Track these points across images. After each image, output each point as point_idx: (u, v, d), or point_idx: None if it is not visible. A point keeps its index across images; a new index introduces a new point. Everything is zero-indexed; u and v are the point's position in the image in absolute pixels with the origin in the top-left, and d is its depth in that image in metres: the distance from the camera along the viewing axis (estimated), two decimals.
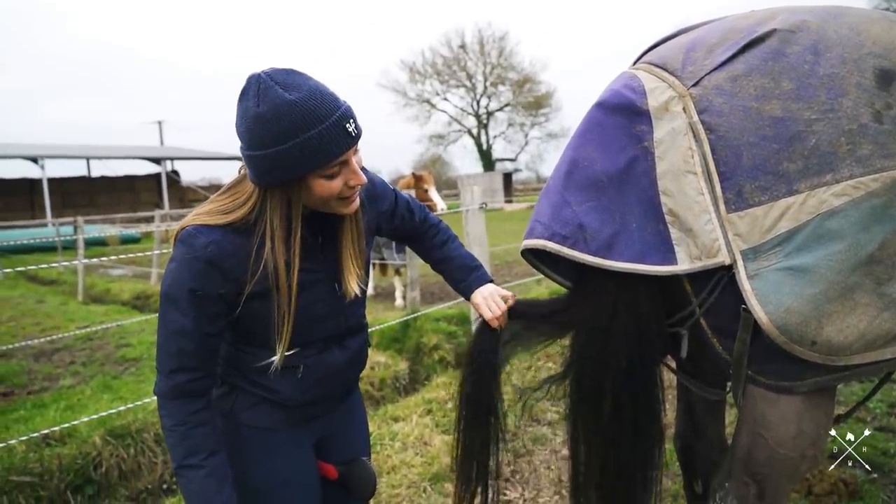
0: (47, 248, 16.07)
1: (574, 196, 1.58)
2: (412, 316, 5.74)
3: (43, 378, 5.13)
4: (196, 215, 1.28)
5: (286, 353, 1.36)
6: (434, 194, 7.65)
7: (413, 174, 7.97)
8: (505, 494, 2.93)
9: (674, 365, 1.91)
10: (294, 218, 1.27)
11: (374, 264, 7.84)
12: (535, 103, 48.75)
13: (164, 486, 3.55)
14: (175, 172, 34.16)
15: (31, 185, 29.89)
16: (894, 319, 1.33)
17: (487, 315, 1.65)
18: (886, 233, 1.31)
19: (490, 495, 1.78)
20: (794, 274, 1.34)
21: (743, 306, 1.41)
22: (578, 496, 1.72)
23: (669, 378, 2.00)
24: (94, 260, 4.46)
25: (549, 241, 1.57)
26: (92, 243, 16.31)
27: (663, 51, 1.67)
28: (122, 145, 38.78)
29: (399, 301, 7.49)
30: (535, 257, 1.69)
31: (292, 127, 1.14)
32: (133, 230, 17.06)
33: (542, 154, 51.81)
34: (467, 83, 48.86)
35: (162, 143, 44.03)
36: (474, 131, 49.97)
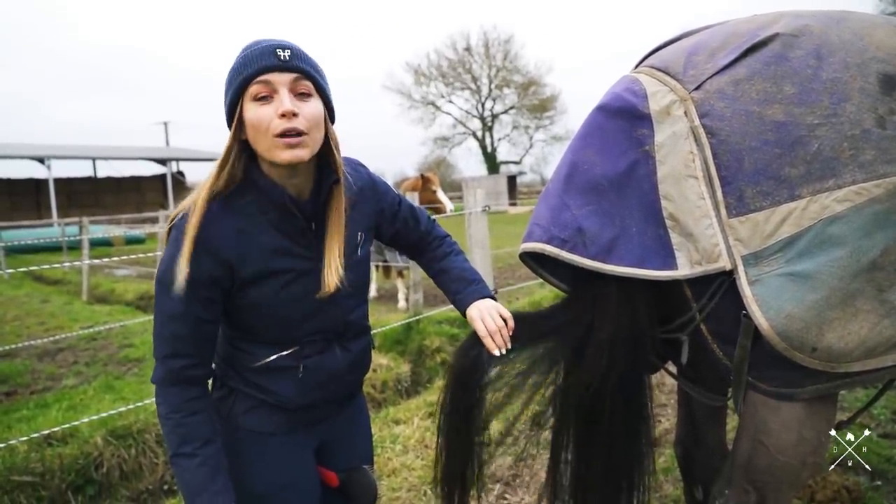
0: (53, 248, 16.15)
1: (574, 199, 1.57)
2: (415, 318, 5.73)
3: (46, 378, 5.14)
4: (189, 199, 1.29)
5: (284, 353, 1.35)
6: (442, 195, 7.64)
7: (421, 175, 7.95)
8: (506, 499, 2.92)
9: (674, 370, 1.90)
10: (228, 151, 1.27)
11: (377, 266, 7.83)
12: (540, 106, 48.77)
13: (165, 487, 3.55)
14: (180, 173, 34.28)
15: (38, 185, 30.10)
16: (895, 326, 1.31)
17: (481, 330, 1.52)
18: (889, 239, 1.30)
19: None
20: (795, 280, 1.33)
21: (743, 312, 1.40)
22: (562, 499, 1.69)
23: (671, 383, 1.98)
24: (100, 260, 4.48)
25: (548, 244, 1.56)
26: (97, 244, 16.36)
27: (665, 54, 1.66)
28: (127, 146, 38.94)
29: (402, 303, 7.49)
30: (534, 261, 1.67)
31: (240, 53, 1.25)
32: (138, 231, 17.12)
33: (546, 157, 51.87)
34: (472, 86, 48.96)
35: (168, 143, 44.21)
36: (479, 134, 50.10)
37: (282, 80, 1.22)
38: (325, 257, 1.33)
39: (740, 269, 1.39)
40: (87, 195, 31.89)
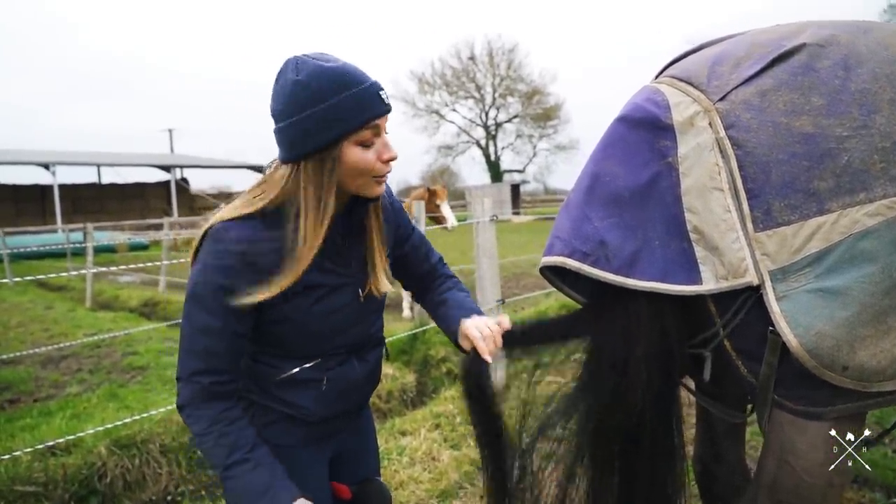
0: (57, 255, 16.16)
1: (595, 212, 1.54)
2: (421, 329, 5.69)
3: (49, 385, 5.11)
4: (225, 211, 1.25)
5: (307, 366, 1.33)
6: (446, 209, 7.64)
7: (427, 188, 7.96)
8: None
9: (692, 385, 1.86)
10: (326, 200, 1.21)
11: None
12: (544, 115, 48.84)
13: (169, 498, 3.51)
14: (184, 180, 34.38)
15: (43, 192, 30.17)
16: None
17: (475, 335, 1.41)
18: None
19: None
20: (825, 296, 1.30)
21: (770, 328, 1.36)
22: None
23: (689, 398, 1.94)
24: (107, 268, 4.46)
25: (570, 258, 1.52)
26: (101, 250, 16.38)
27: (687, 64, 1.63)
28: (132, 153, 39.12)
29: (406, 312, 7.45)
30: (554, 274, 1.64)
31: (330, 87, 1.16)
32: (142, 237, 17.13)
33: (550, 166, 51.93)
34: (476, 94, 49.09)
35: (172, 150, 44.34)
36: (483, 142, 50.14)
37: (383, 124, 1.23)
38: (372, 262, 1.36)
39: (768, 284, 1.35)
40: (91, 201, 31.99)
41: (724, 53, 1.56)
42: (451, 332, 1.51)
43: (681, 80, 1.58)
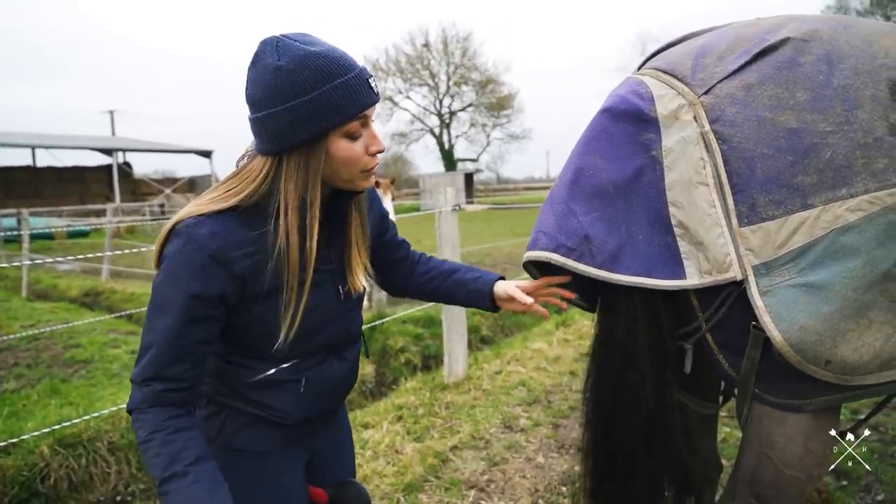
0: None
1: (579, 205, 1.51)
2: (380, 322, 5.63)
3: None
4: (195, 206, 1.14)
5: (284, 366, 1.25)
6: (388, 203, 7.50)
7: (377, 182, 7.84)
8: None
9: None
10: (311, 194, 1.13)
11: None
12: (498, 104, 49.04)
13: (118, 498, 3.35)
14: (127, 164, 32.97)
15: None
16: None
17: (523, 297, 1.47)
18: None
19: None
20: (808, 291, 1.30)
21: (753, 323, 1.36)
22: None
23: None
24: (53, 259, 4.20)
25: (555, 252, 1.49)
26: (38, 237, 15.56)
27: (670, 56, 1.61)
28: (70, 134, 37.21)
29: (364, 302, 7.35)
30: (537, 268, 1.61)
31: (317, 75, 1.07)
32: (82, 224, 16.37)
33: (503, 155, 52.37)
34: (430, 82, 48.79)
35: (114, 133, 42.52)
36: (436, 130, 49.96)
37: (371, 113, 1.15)
38: (350, 258, 1.28)
39: (751, 279, 1.35)
40: (25, 185, 30.32)
41: (708, 46, 1.55)
42: (481, 294, 1.52)
43: (665, 72, 1.56)
